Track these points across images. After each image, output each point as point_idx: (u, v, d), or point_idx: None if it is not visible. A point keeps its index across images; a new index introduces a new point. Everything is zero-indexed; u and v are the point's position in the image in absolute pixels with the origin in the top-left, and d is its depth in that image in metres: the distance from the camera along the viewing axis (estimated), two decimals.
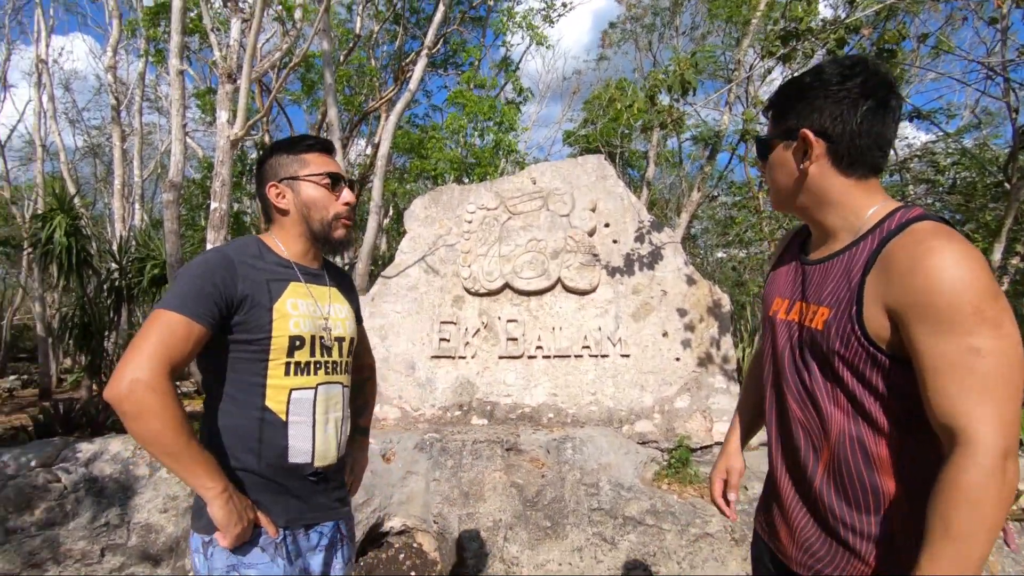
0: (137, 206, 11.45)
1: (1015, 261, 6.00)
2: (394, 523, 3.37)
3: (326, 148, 1.44)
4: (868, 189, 1.07)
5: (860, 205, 1.06)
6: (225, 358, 1.29)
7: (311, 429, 1.34)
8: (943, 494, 0.86)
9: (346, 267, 6.04)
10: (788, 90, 1.11)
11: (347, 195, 1.42)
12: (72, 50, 23.24)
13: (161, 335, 1.16)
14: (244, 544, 1.24)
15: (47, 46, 10.06)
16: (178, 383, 6.19)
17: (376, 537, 3.33)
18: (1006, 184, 5.17)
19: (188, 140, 11.32)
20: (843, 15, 3.82)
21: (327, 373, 1.39)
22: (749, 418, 1.47)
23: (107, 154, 15.26)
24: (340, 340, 1.44)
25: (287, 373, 1.31)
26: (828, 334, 1.03)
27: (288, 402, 1.31)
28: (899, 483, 0.98)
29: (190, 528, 1.32)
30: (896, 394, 0.97)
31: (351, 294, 1.61)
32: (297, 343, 1.32)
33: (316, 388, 1.35)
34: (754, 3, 7.55)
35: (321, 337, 1.38)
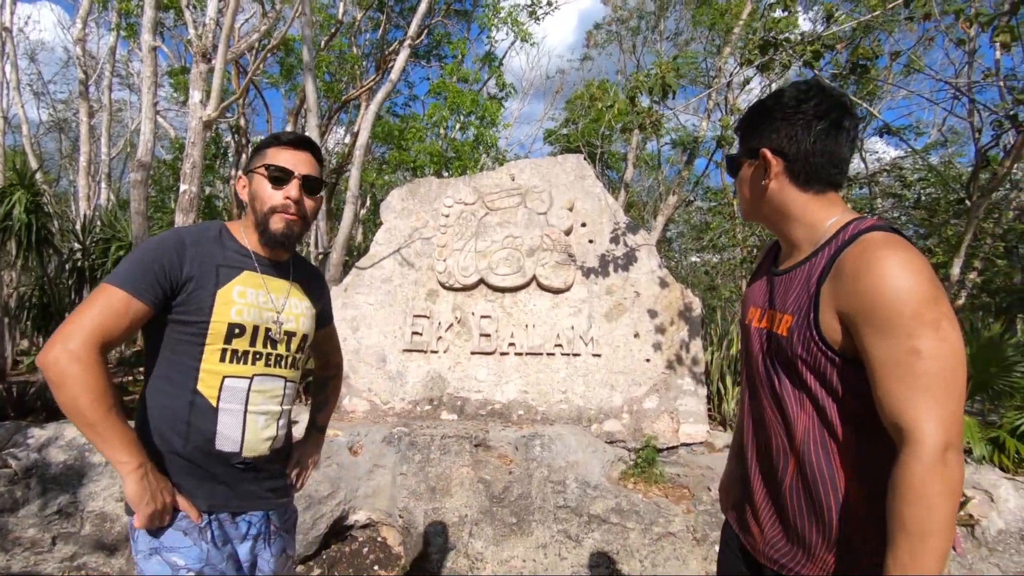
0: (103, 185, 11.07)
1: (972, 275, 6.23)
2: (359, 516, 3.34)
3: (293, 143, 1.41)
4: (826, 202, 1.13)
5: (819, 218, 1.12)
6: (164, 338, 1.29)
7: (241, 418, 1.33)
8: (893, 492, 0.91)
9: (320, 256, 5.95)
10: (752, 113, 1.19)
11: (288, 188, 1.38)
12: (39, 20, 22.22)
13: (100, 308, 1.18)
14: (166, 527, 1.24)
15: (12, 13, 9.62)
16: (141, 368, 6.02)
17: (340, 530, 3.30)
18: (967, 201, 5.36)
19: (159, 119, 11.00)
20: (821, 29, 3.90)
21: (267, 365, 1.37)
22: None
23: (73, 130, 14.74)
24: (290, 335, 1.42)
25: (222, 360, 1.31)
26: (791, 340, 1.08)
27: (220, 388, 1.30)
28: (859, 486, 1.02)
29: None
30: (854, 395, 1.02)
31: (319, 293, 1.59)
32: (236, 331, 1.31)
33: (251, 378, 1.34)
34: (736, 11, 7.66)
35: (268, 329, 1.37)
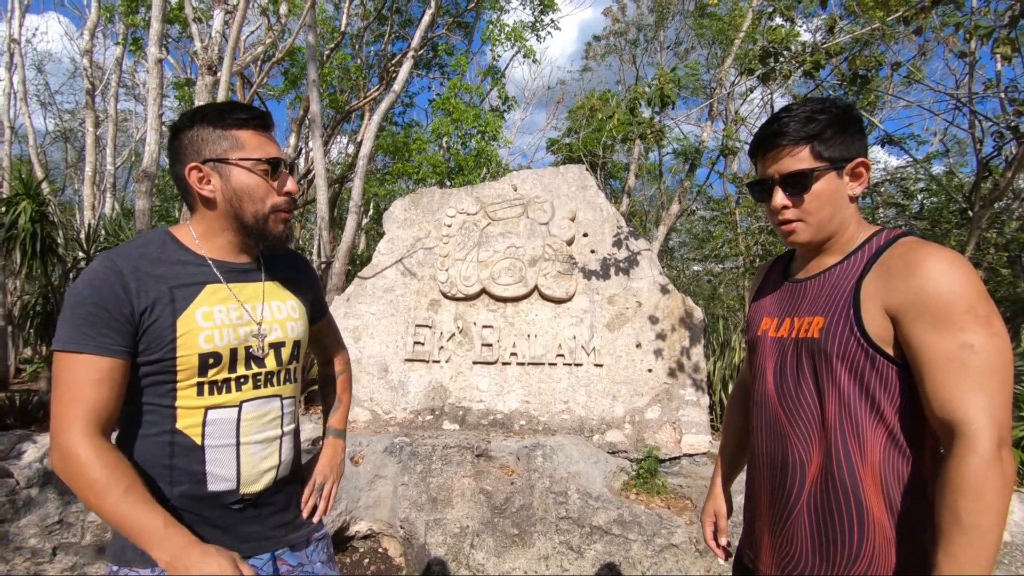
0: (108, 194, 11.15)
1: None
2: (360, 527, 3.33)
3: (264, 124, 1.18)
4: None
5: (856, 226, 1.15)
6: (129, 381, 1.10)
7: (234, 452, 1.14)
8: (948, 485, 0.90)
9: (322, 266, 5.96)
10: (836, 122, 1.11)
11: (289, 184, 1.19)
12: (47, 31, 22.47)
13: (68, 388, 1.01)
14: None
15: (20, 25, 9.74)
16: None
17: (342, 541, 3.29)
18: (970, 211, 5.35)
19: (165, 130, 11.07)
20: (821, 40, 3.93)
21: (256, 387, 1.18)
22: (731, 457, 1.48)
23: (79, 139, 14.86)
24: (277, 346, 1.21)
25: (200, 394, 1.11)
26: (824, 340, 1.07)
27: (204, 424, 1.12)
28: (884, 502, 1.01)
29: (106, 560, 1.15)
30: (886, 397, 1.02)
31: (306, 282, 1.36)
32: (210, 360, 1.11)
33: (240, 406, 1.15)
34: (738, 24, 7.72)
35: (248, 347, 1.16)
